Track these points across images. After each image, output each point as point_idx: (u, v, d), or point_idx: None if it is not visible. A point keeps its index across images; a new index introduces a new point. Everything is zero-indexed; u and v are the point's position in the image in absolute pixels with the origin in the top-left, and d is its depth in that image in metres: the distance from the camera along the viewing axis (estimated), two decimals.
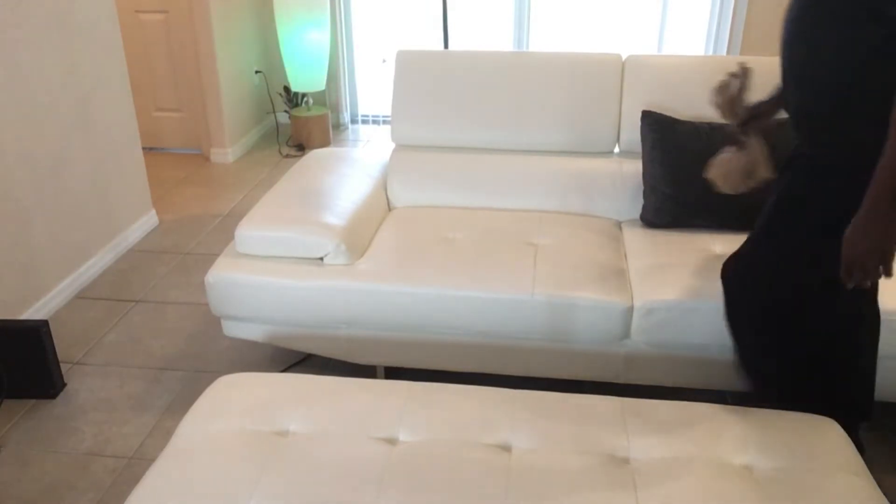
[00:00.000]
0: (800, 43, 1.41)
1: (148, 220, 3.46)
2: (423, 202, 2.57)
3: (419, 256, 2.20)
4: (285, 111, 4.77)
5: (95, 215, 3.06)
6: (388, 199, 2.61)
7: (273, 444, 1.51)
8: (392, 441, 1.54)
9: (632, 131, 2.46)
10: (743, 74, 1.78)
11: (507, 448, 1.52)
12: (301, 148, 4.53)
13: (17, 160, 2.59)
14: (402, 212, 2.53)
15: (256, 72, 4.66)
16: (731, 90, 1.79)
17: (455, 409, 1.62)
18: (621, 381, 2.17)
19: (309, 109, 4.58)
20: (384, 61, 4.87)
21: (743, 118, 1.81)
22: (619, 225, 2.47)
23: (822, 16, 1.34)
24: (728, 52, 4.37)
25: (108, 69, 3.10)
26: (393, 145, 2.66)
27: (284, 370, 2.44)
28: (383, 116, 4.97)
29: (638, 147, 2.44)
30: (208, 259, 3.16)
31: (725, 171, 1.83)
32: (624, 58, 2.52)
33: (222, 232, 3.45)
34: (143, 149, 3.53)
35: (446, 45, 4.13)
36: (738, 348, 1.82)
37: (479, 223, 2.40)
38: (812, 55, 1.39)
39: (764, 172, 1.78)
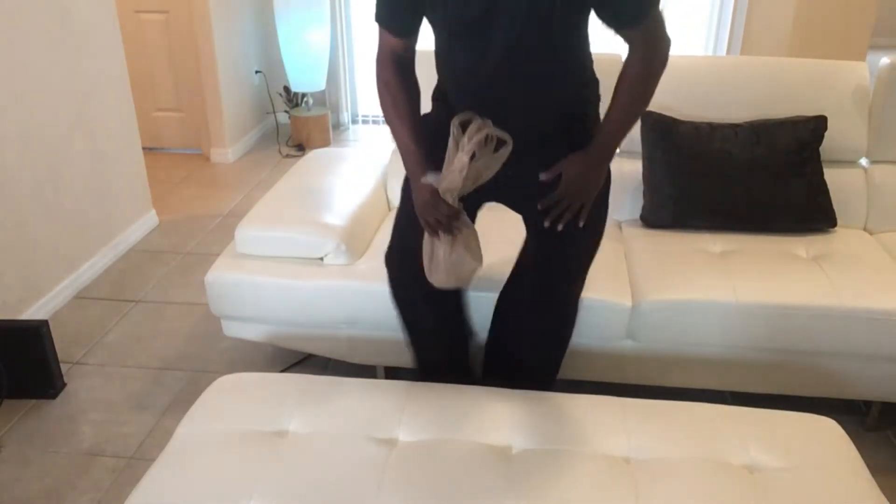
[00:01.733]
0: (543, 39, 1.51)
1: (148, 220, 3.46)
2: None
3: None
4: (285, 111, 4.77)
5: (95, 215, 3.06)
6: (388, 199, 2.61)
7: (273, 444, 1.51)
8: (392, 441, 1.54)
9: (632, 131, 2.45)
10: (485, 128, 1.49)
11: (507, 448, 1.52)
12: (301, 148, 4.53)
13: (17, 160, 2.59)
14: None
15: (256, 72, 4.66)
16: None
17: (455, 409, 1.62)
18: (621, 381, 2.17)
19: (309, 109, 4.58)
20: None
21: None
22: (619, 225, 2.47)
23: (549, 36, 1.50)
24: (728, 52, 4.38)
25: (108, 69, 3.10)
26: (393, 145, 2.66)
27: (284, 370, 2.44)
28: (383, 116, 4.97)
29: (638, 147, 2.44)
30: (208, 259, 3.16)
31: (454, 270, 1.62)
32: (624, 58, 2.51)
33: (222, 232, 3.45)
34: (143, 149, 3.53)
35: None
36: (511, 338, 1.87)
37: (478, 223, 2.39)
38: (554, 45, 1.53)
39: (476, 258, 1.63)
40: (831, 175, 2.35)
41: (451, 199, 1.54)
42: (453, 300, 1.90)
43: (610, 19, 1.52)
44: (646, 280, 2.08)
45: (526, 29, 1.48)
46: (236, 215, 3.59)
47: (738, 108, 2.40)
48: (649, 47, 1.54)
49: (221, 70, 4.17)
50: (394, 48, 1.63)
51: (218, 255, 2.31)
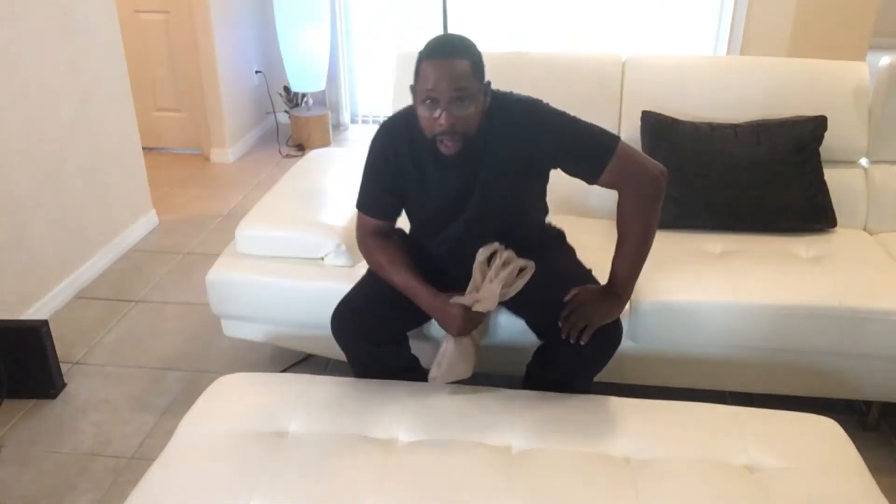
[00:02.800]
0: (511, 208, 1.78)
1: (148, 220, 3.46)
2: None
3: None
4: (285, 111, 4.77)
5: (95, 215, 3.06)
6: None
7: (273, 445, 1.51)
8: (392, 441, 1.54)
9: (632, 131, 2.46)
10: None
11: (507, 448, 1.52)
12: (301, 148, 4.53)
13: (17, 160, 2.59)
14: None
15: (256, 72, 4.66)
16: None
17: (455, 409, 1.62)
18: (621, 381, 2.17)
19: (309, 109, 4.58)
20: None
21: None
22: None
23: (517, 190, 1.76)
24: (728, 52, 4.38)
25: (108, 69, 3.10)
26: None
27: (284, 370, 2.44)
28: (383, 116, 4.97)
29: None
30: (208, 259, 3.16)
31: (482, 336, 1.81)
32: (624, 58, 2.52)
33: (222, 232, 3.45)
34: (143, 149, 3.52)
35: None
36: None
37: None
38: (521, 210, 1.83)
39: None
40: (831, 175, 2.35)
41: (482, 309, 1.70)
42: (402, 337, 1.94)
43: (583, 173, 1.68)
44: (646, 280, 2.07)
45: (497, 203, 1.71)
46: (236, 215, 3.59)
47: (738, 108, 2.40)
48: (634, 179, 1.65)
49: (221, 70, 4.17)
50: (376, 227, 1.83)
51: (218, 255, 2.30)
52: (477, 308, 1.68)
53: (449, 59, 1.54)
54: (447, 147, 1.60)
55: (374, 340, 1.80)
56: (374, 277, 1.86)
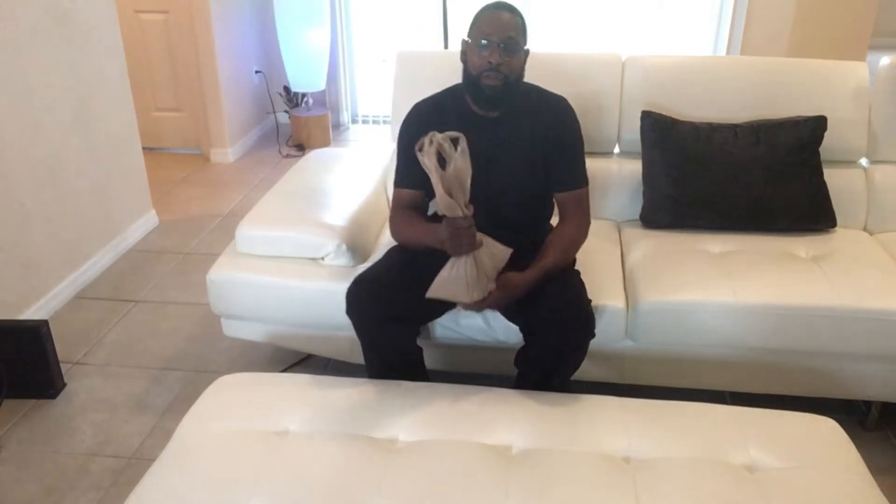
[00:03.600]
0: (528, 181, 1.96)
1: (148, 220, 3.46)
2: None
3: None
4: (285, 111, 4.77)
5: (95, 215, 3.06)
6: (388, 199, 2.61)
7: (273, 444, 1.51)
8: (392, 441, 1.54)
9: (632, 131, 2.46)
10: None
11: (507, 448, 1.52)
12: (301, 148, 4.54)
13: (17, 160, 2.59)
14: None
15: (256, 72, 4.66)
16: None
17: (455, 409, 1.63)
18: (621, 381, 2.17)
19: (309, 109, 4.58)
20: (384, 61, 4.86)
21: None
22: (618, 226, 2.47)
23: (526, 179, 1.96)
24: (728, 52, 4.38)
25: (108, 69, 3.10)
26: (393, 145, 2.66)
27: (284, 370, 2.44)
28: (383, 116, 4.97)
29: (638, 147, 2.44)
30: (208, 259, 3.16)
31: (498, 265, 1.77)
32: (624, 58, 2.51)
33: (222, 232, 3.45)
34: (143, 149, 3.52)
35: (446, 46, 4.13)
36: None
37: None
38: (534, 190, 1.99)
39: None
40: (831, 175, 2.35)
41: (461, 212, 1.66)
42: (412, 322, 1.96)
43: (556, 178, 1.94)
44: (645, 280, 2.08)
45: (518, 172, 1.90)
46: (236, 215, 3.59)
47: (738, 108, 2.40)
48: (582, 214, 1.95)
49: (221, 70, 4.17)
50: (410, 199, 1.98)
51: (218, 255, 2.31)
52: (443, 207, 1.66)
53: (506, 12, 1.84)
54: (490, 80, 1.81)
55: (386, 315, 1.84)
56: (390, 258, 1.96)
